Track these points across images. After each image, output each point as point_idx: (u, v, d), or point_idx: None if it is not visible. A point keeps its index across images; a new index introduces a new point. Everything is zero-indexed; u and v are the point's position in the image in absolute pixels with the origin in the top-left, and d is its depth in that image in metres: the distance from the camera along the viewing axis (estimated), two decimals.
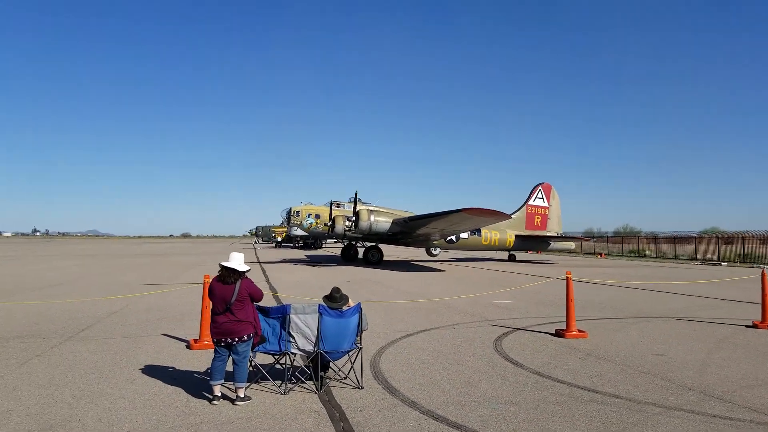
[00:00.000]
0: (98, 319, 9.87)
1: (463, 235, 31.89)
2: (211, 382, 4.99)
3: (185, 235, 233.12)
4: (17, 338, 8.13)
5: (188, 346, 7.57)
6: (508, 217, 28.56)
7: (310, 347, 5.34)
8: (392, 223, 27.41)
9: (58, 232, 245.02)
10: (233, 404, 4.93)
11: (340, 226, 27.89)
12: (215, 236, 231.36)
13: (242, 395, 4.96)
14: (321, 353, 5.30)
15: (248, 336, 5.02)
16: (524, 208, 34.75)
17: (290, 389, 5.32)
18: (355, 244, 32.79)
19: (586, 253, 44.54)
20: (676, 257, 36.71)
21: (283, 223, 57.96)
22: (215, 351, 5.06)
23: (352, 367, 5.64)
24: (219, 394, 4.99)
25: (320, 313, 5.31)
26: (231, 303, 4.98)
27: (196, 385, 5.58)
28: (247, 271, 5.18)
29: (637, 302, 12.96)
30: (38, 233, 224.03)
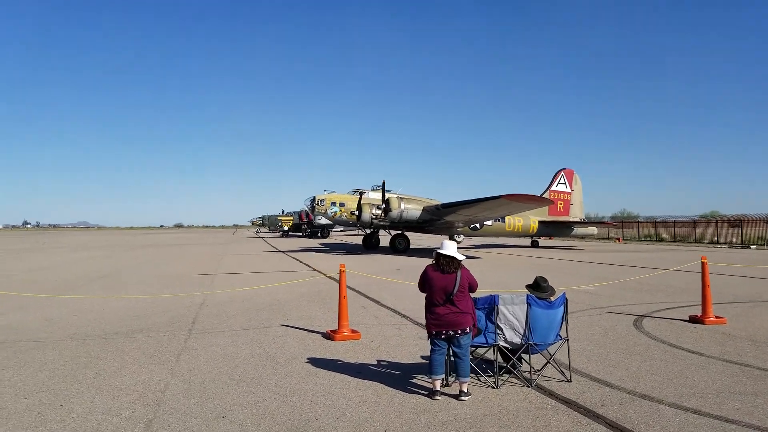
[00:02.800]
0: (196, 312, 9.51)
1: (487, 222, 31.74)
2: (433, 377, 4.71)
3: (178, 226, 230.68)
4: (137, 332, 7.76)
5: (328, 337, 7.27)
6: (551, 202, 28.32)
7: (517, 339, 5.07)
8: (422, 210, 27.21)
9: (49, 224, 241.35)
10: (458, 399, 4.65)
11: (368, 214, 27.65)
12: (206, 226, 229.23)
13: (465, 390, 4.68)
14: (531, 345, 5.04)
15: (469, 328, 4.73)
16: (546, 193, 34.61)
17: (502, 383, 5.06)
18: (377, 232, 32.60)
19: (601, 238, 44.67)
20: (695, 241, 36.89)
21: (305, 211, 58.40)
22: (434, 344, 4.76)
23: (551, 359, 5.37)
24: (440, 389, 4.72)
25: (529, 304, 5.04)
26: (453, 293, 4.68)
27: (395, 379, 5.29)
28: (464, 259, 4.89)
29: (730, 286, 12.78)
30: (29, 225, 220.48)
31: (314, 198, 31.04)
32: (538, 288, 5.25)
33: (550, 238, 39.33)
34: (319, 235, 57.79)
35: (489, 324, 5.05)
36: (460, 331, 4.68)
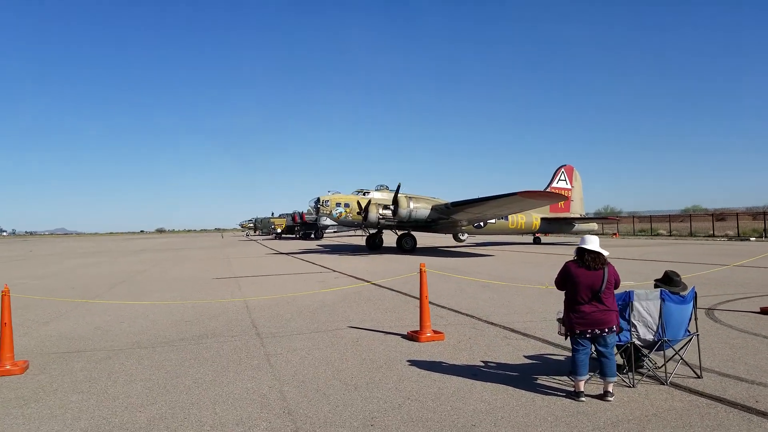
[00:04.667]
0: (249, 317, 9.17)
1: (491, 220, 31.82)
2: (578, 378, 4.51)
3: (159, 231, 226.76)
4: (203, 338, 7.41)
5: (411, 338, 7.04)
6: (565, 198, 28.35)
7: (650, 336, 4.91)
8: (431, 209, 27.09)
9: (25, 231, 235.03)
10: (604, 400, 4.47)
11: (374, 214, 27.48)
12: (188, 230, 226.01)
13: (611, 390, 4.51)
14: (664, 342, 4.89)
15: (616, 326, 4.56)
16: (548, 190, 34.79)
17: (637, 381, 4.90)
18: (381, 232, 32.47)
19: (597, 234, 45.07)
20: (691, 234, 37.51)
21: (297, 213, 57.80)
22: (577, 343, 4.57)
23: (681, 355, 5.21)
24: (584, 390, 4.54)
25: (662, 299, 4.88)
26: (601, 291, 4.50)
27: (517, 381, 5.08)
28: (608, 255, 4.71)
29: (760, 278, 12.89)
30: (5, 233, 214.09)
31: (318, 199, 30.66)
32: (671, 282, 5.10)
33: (545, 235, 39.59)
34: (312, 236, 57.37)
35: (622, 321, 4.88)
36: (607, 330, 4.50)
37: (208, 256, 30.65)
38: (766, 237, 32.18)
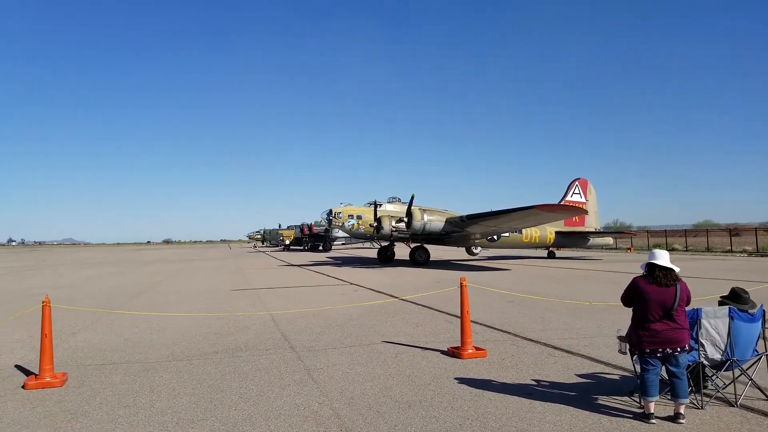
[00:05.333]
0: (279, 330, 9.02)
1: (504, 234, 31.60)
2: (648, 399, 4.33)
3: (167, 242, 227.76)
4: (238, 351, 7.26)
5: (452, 355, 6.85)
6: (585, 211, 28.07)
7: (718, 356, 4.72)
8: (445, 222, 26.96)
9: (34, 241, 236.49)
10: (675, 422, 4.28)
11: (387, 226, 27.33)
12: (194, 242, 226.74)
13: (682, 412, 4.32)
14: (733, 362, 4.70)
15: (688, 345, 4.39)
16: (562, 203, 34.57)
17: (706, 403, 4.70)
18: (393, 245, 32.36)
19: (611, 249, 44.71)
20: (708, 249, 37.07)
21: (306, 225, 57.80)
22: (647, 362, 4.39)
23: (747, 376, 5.01)
24: (653, 412, 4.35)
25: (731, 317, 4.71)
26: (673, 308, 4.34)
27: (576, 401, 4.89)
28: (679, 270, 4.55)
29: None
30: (14, 243, 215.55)
31: (331, 211, 30.60)
32: (738, 299, 4.92)
33: (558, 249, 39.24)
34: (321, 248, 57.31)
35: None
36: (679, 349, 4.33)
37: (220, 267, 30.59)
38: None
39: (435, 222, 26.76)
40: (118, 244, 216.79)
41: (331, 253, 48.60)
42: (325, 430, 4.30)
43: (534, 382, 5.59)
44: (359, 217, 30.16)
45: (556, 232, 33.19)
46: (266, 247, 75.78)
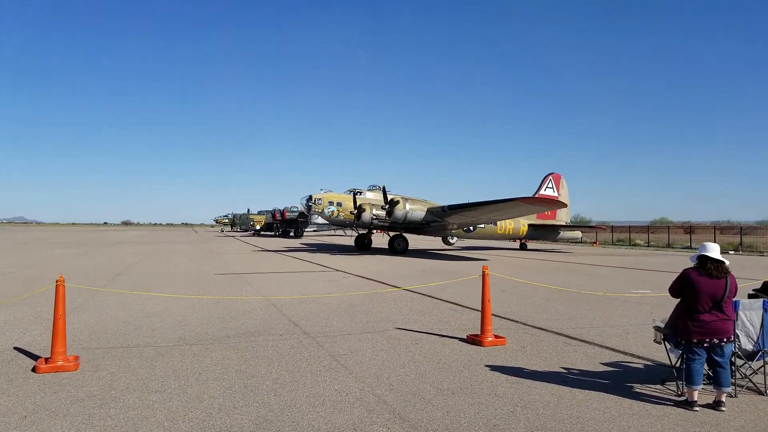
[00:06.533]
0: (284, 314, 8.84)
1: (481, 225, 32.01)
2: (692, 387, 4.43)
3: (126, 223, 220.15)
4: (251, 336, 7.05)
5: (472, 342, 6.86)
6: (564, 204, 28.64)
7: (750, 347, 4.88)
8: (426, 211, 27.08)
9: None
10: (717, 410, 4.41)
11: (368, 214, 27.32)
12: (154, 224, 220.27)
13: (723, 400, 4.44)
14: (765, 352, 4.86)
15: (733, 336, 4.51)
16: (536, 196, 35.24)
17: (738, 391, 4.86)
18: (370, 233, 32.41)
19: (577, 242, 45.94)
20: (669, 245, 38.62)
21: (302, 209, 56.89)
22: (693, 352, 4.48)
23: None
24: (697, 400, 4.46)
25: (765, 309, 4.87)
26: (724, 300, 4.44)
27: (610, 388, 4.97)
28: (728, 263, 4.65)
29: None
30: None
31: (310, 197, 30.24)
32: None
33: (527, 241, 40.07)
34: (292, 234, 56.77)
35: None
36: (725, 339, 4.45)
37: (193, 250, 29.83)
38: (741, 251, 33.41)
39: (416, 211, 26.83)
40: (74, 224, 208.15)
41: (304, 240, 48.07)
42: (379, 417, 4.21)
43: (564, 370, 5.65)
44: (339, 204, 29.93)
45: (529, 225, 33.83)
46: (235, 231, 74.38)
